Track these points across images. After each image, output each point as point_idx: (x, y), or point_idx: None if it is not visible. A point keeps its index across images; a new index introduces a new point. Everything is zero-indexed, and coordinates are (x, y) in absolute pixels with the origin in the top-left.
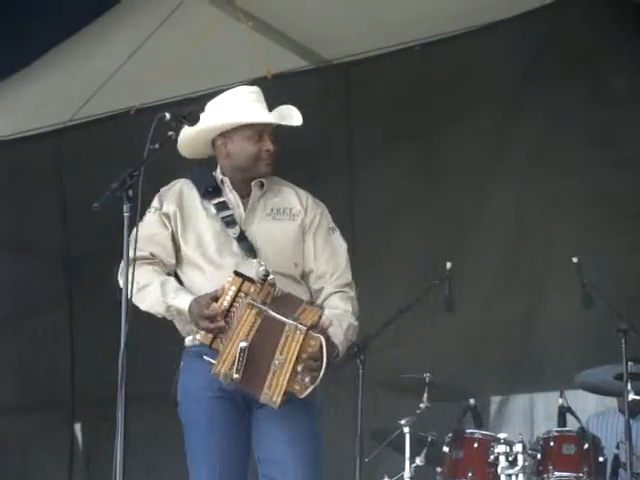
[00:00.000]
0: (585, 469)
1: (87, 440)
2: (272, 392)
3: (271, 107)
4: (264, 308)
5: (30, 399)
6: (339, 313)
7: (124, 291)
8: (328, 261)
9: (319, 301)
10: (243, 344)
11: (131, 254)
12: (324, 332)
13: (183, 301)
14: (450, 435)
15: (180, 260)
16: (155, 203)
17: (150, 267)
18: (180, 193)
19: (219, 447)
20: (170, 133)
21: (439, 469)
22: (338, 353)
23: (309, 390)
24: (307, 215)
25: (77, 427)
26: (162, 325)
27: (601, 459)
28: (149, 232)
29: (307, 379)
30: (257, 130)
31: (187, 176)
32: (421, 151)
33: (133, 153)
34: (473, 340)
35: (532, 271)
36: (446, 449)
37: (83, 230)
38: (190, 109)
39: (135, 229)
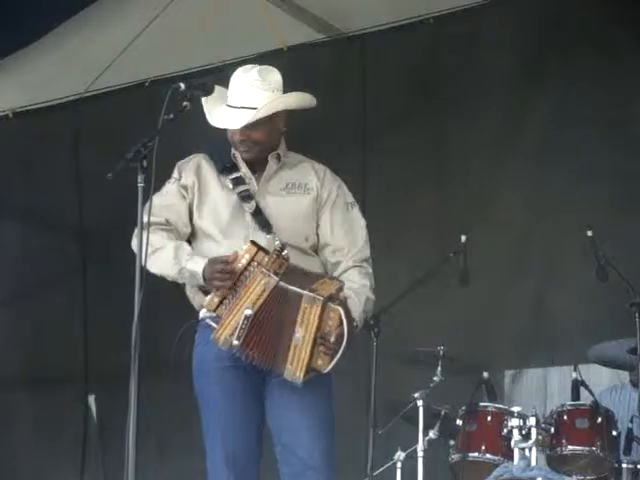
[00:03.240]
0: (598, 443)
1: (101, 412)
2: (295, 367)
3: (287, 81)
4: (276, 278)
5: (44, 372)
6: (357, 287)
7: (138, 261)
8: (346, 235)
9: (337, 273)
10: (248, 311)
11: (145, 219)
12: (343, 304)
13: (197, 264)
14: (464, 408)
15: (194, 232)
16: (175, 174)
17: (165, 233)
18: (199, 166)
19: (232, 417)
20: (185, 103)
21: (452, 442)
22: (357, 326)
23: (333, 364)
24: (323, 189)
25: (91, 399)
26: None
27: (614, 433)
28: (167, 201)
29: (329, 352)
30: None
31: (205, 151)
32: (436, 124)
33: (148, 124)
34: (487, 314)
35: (546, 245)
36: (459, 422)
37: (98, 202)
38: (204, 80)
39: (150, 197)
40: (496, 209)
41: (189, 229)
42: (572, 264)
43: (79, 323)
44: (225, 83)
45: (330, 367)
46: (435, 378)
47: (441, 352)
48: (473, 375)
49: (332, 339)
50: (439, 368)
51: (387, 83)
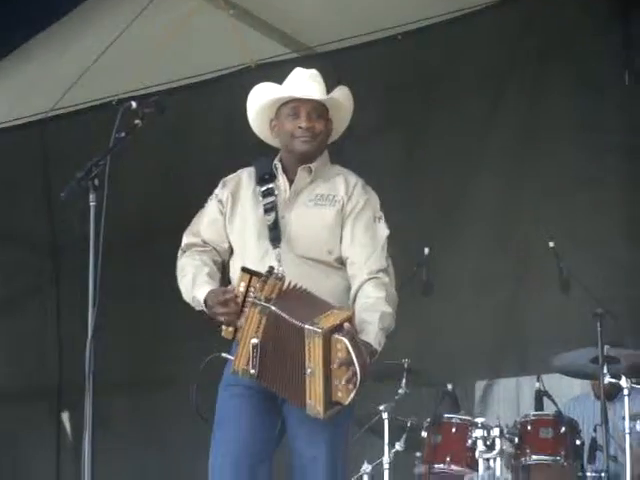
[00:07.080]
0: (562, 452)
1: (75, 429)
2: (314, 402)
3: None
4: (267, 305)
5: (18, 387)
6: (372, 302)
7: (91, 279)
8: (364, 248)
9: (354, 288)
10: (254, 340)
11: (185, 241)
12: (350, 334)
13: (202, 292)
14: (428, 420)
15: (231, 247)
16: (217, 189)
17: (197, 256)
18: (239, 180)
19: (241, 432)
20: (136, 122)
21: (418, 454)
22: (375, 351)
23: (352, 395)
24: (350, 201)
25: (65, 416)
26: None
27: (578, 442)
28: (208, 218)
29: (347, 385)
30: (292, 107)
31: (253, 164)
32: (407, 137)
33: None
34: (455, 325)
35: (515, 256)
36: (425, 434)
37: (69, 218)
38: (156, 97)
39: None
40: (465, 220)
41: (227, 244)
42: (540, 274)
43: (53, 339)
44: (193, 100)
45: (350, 399)
46: (400, 391)
47: (406, 365)
48: (440, 387)
49: (346, 372)
50: (404, 380)
51: (357, 100)
